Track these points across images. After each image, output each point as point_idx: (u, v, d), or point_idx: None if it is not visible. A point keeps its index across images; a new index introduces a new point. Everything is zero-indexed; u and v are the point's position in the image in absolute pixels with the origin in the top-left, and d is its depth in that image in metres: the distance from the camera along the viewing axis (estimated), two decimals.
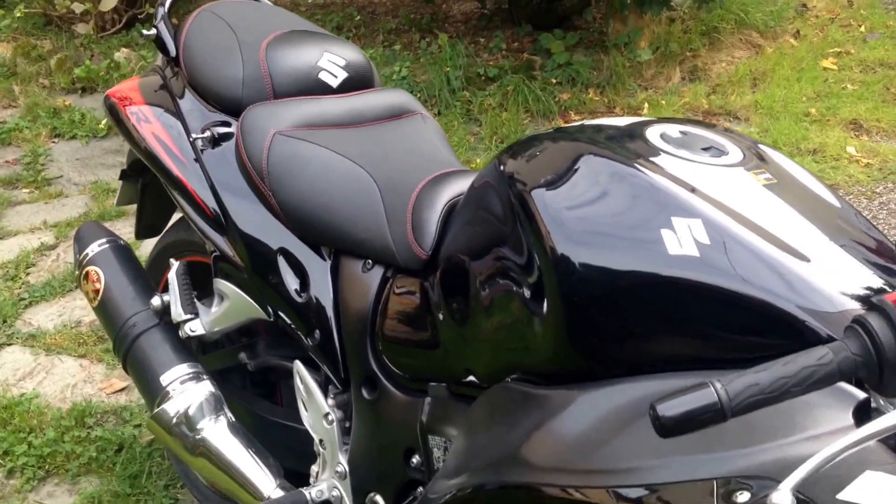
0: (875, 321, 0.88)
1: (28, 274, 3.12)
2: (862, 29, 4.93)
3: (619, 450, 1.09)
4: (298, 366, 1.70)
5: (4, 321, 2.88)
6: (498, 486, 1.21)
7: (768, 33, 4.61)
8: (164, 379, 1.81)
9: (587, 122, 1.42)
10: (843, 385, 0.98)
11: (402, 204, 1.54)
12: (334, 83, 1.79)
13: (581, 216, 1.20)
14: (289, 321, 1.69)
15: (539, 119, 4.04)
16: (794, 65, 4.37)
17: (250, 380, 2.03)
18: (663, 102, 4.13)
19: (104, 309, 1.93)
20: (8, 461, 2.36)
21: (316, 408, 1.67)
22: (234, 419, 1.82)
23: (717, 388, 0.87)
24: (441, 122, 4.18)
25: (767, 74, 4.30)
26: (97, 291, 1.93)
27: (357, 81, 1.82)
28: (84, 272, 1.97)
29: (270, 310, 1.72)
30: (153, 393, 1.83)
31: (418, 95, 4.35)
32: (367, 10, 5.44)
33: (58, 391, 2.62)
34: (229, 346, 1.96)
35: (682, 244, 1.12)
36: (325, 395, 1.67)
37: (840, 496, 0.92)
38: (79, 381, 2.66)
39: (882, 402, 0.97)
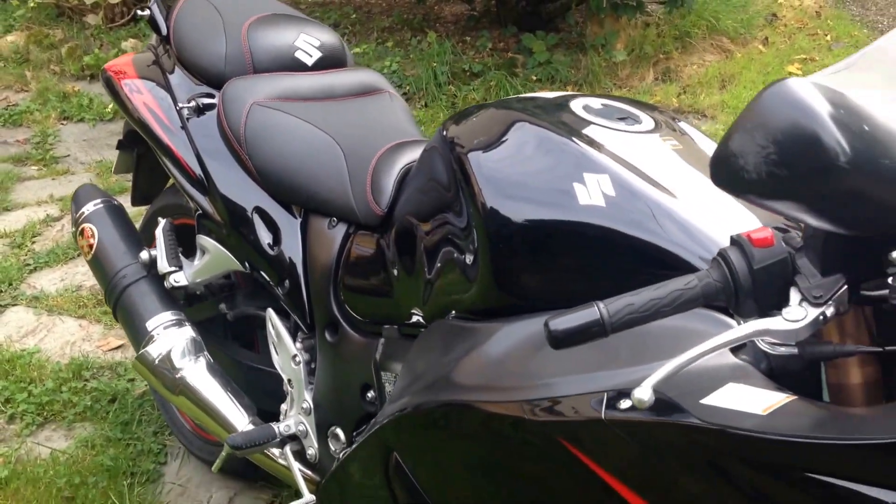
0: (733, 254, 1.06)
1: (34, 242, 3.34)
2: (828, 38, 5.15)
3: (531, 370, 1.29)
4: (270, 313, 1.92)
5: (10, 284, 3.10)
6: (434, 404, 1.39)
7: (738, 39, 4.84)
8: (150, 325, 2.03)
9: (524, 95, 1.63)
10: (717, 314, 1.18)
11: (364, 168, 1.76)
12: (309, 61, 2.01)
13: (508, 174, 1.41)
14: (262, 272, 1.91)
15: None
16: (761, 69, 4.59)
17: (231, 330, 2.25)
18: None
19: (97, 262, 2.15)
20: (9, 408, 2.57)
21: (285, 351, 1.89)
22: (212, 362, 2.04)
23: (599, 307, 1.04)
24: (427, 113, 4.40)
25: (735, 77, 4.52)
26: (91, 246, 2.15)
27: (330, 61, 2.04)
28: (80, 229, 2.19)
29: (246, 262, 1.94)
30: (139, 337, 2.05)
31: (407, 88, 4.57)
32: (363, 9, 5.65)
33: (58, 348, 2.83)
34: (211, 298, 2.18)
35: (590, 196, 1.33)
36: (294, 339, 1.89)
37: (702, 401, 1.11)
38: (78, 339, 2.87)
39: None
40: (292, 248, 1.86)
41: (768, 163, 0.85)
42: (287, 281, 1.86)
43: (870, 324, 1.07)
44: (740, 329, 1.03)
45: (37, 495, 2.26)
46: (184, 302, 2.20)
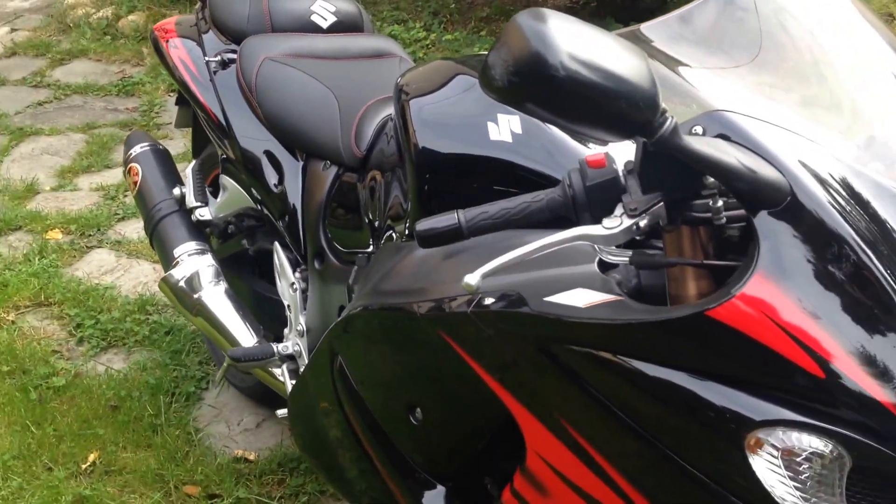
0: (573, 174, 1.24)
1: (125, 196, 3.70)
2: None
3: (432, 278, 1.49)
4: (276, 246, 2.16)
5: (98, 229, 3.45)
6: (359, 309, 1.62)
7: None
8: (176, 252, 2.30)
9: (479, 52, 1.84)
10: (586, 246, 1.33)
11: (353, 116, 1.99)
12: (324, 24, 2.25)
13: (437, 116, 1.62)
14: (268, 208, 2.16)
15: None
16: None
17: (256, 265, 2.50)
18: None
19: (139, 196, 2.45)
20: (78, 332, 2.91)
21: (286, 279, 2.13)
22: (228, 287, 2.30)
23: (458, 214, 1.24)
24: None
25: None
26: (136, 183, 2.45)
27: (345, 25, 2.27)
28: (128, 167, 2.49)
29: (256, 199, 2.19)
30: (167, 262, 2.33)
31: None
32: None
33: (130, 286, 3.16)
34: (236, 235, 2.44)
35: (500, 133, 1.52)
36: (294, 269, 2.12)
37: (546, 298, 1.28)
38: (149, 281, 3.18)
39: (598, 248, 1.32)
40: (293, 187, 2.09)
41: (509, 73, 1.02)
42: (287, 216, 2.10)
43: (705, 242, 1.22)
44: (564, 233, 1.19)
45: (87, 402, 2.57)
46: (219, 239, 2.48)
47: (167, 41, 2.42)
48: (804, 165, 1.13)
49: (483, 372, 1.35)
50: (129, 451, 2.42)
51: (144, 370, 2.73)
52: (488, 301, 1.33)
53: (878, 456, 1.08)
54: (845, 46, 1.34)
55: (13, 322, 2.95)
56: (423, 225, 1.25)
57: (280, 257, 2.14)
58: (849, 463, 1.09)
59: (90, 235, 3.43)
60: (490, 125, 1.52)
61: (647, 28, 1.40)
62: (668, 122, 1.06)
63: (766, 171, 1.11)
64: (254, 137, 2.17)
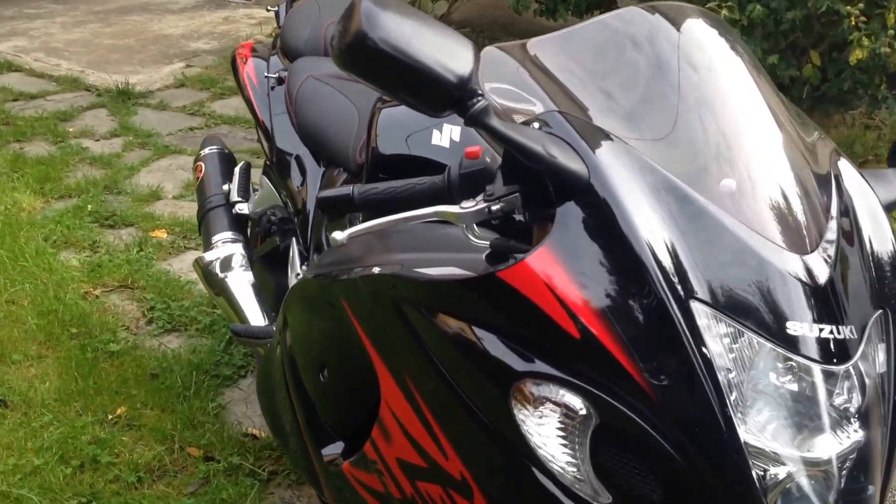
0: (454, 163, 1.41)
1: None
2: None
3: (351, 255, 1.69)
4: (293, 241, 2.42)
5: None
6: (309, 276, 1.83)
7: None
8: (214, 238, 2.60)
9: None
10: (461, 236, 1.50)
11: (363, 129, 2.23)
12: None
13: (396, 124, 1.84)
14: (290, 206, 2.42)
15: None
16: None
17: (283, 261, 2.75)
18: None
19: (198, 190, 2.77)
20: (150, 313, 3.26)
21: (293, 270, 2.37)
22: (251, 276, 2.56)
23: (353, 188, 1.45)
24: None
25: None
26: (198, 178, 2.78)
27: None
28: (196, 165, 2.83)
29: (283, 198, 2.46)
30: (206, 246, 2.63)
31: None
32: None
33: None
34: (272, 233, 2.71)
35: (441, 139, 1.72)
36: (302, 262, 2.36)
37: (414, 268, 1.47)
38: None
39: (467, 234, 1.49)
40: (311, 190, 2.35)
41: (341, 45, 1.23)
42: (302, 215, 2.35)
43: None
44: (427, 209, 1.38)
45: (132, 368, 2.89)
46: (260, 238, 2.76)
47: (240, 58, 2.76)
48: (609, 162, 1.26)
49: (362, 333, 1.54)
50: (153, 412, 2.70)
51: (193, 352, 3.03)
52: (375, 270, 1.53)
53: (621, 416, 1.19)
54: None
55: (97, 297, 3.34)
56: (323, 194, 1.46)
57: (293, 251, 2.39)
58: (595, 419, 1.21)
59: (191, 238, 3.80)
60: (434, 132, 1.73)
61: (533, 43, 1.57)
62: (479, 103, 1.23)
63: (570, 161, 1.26)
64: (289, 144, 2.45)
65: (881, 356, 1.28)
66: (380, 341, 1.51)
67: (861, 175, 1.44)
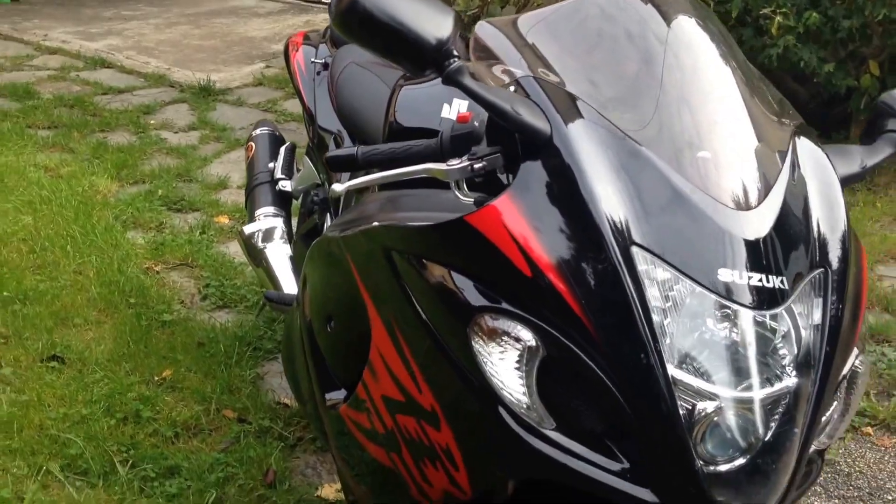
0: (446, 127, 1.55)
1: None
2: None
3: (357, 216, 1.85)
4: (327, 217, 2.59)
5: None
6: (324, 236, 1.98)
7: None
8: (257, 212, 2.80)
9: None
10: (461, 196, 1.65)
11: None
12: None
13: (412, 99, 2.00)
14: (325, 185, 2.60)
15: None
16: None
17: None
18: (878, 204, 4.40)
19: (248, 167, 2.98)
20: (204, 290, 3.48)
21: None
22: (290, 251, 2.74)
23: (357, 148, 1.61)
24: None
25: None
26: (248, 157, 2.98)
27: None
28: (247, 144, 3.04)
29: (321, 176, 2.64)
30: (250, 219, 2.82)
31: None
32: None
33: None
34: (313, 211, 2.90)
35: (451, 112, 1.87)
36: None
37: (399, 213, 1.62)
38: None
39: (455, 192, 1.63)
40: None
41: (337, 11, 1.42)
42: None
43: None
44: (417, 167, 1.53)
45: (182, 336, 3.10)
46: (305, 216, 2.95)
47: (292, 46, 2.96)
48: (571, 121, 1.39)
49: (360, 283, 1.70)
50: (195, 377, 2.90)
51: (239, 326, 3.23)
52: (374, 224, 1.69)
53: (565, 349, 1.32)
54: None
55: (157, 272, 3.58)
56: (330, 153, 1.63)
57: (325, 225, 2.57)
58: (542, 352, 1.34)
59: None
60: (444, 106, 1.88)
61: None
62: (455, 64, 1.40)
63: (535, 119, 1.39)
64: (329, 125, 2.63)
65: (817, 311, 1.38)
66: (373, 289, 1.67)
67: (822, 150, 1.53)
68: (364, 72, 2.57)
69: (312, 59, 2.79)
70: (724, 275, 1.30)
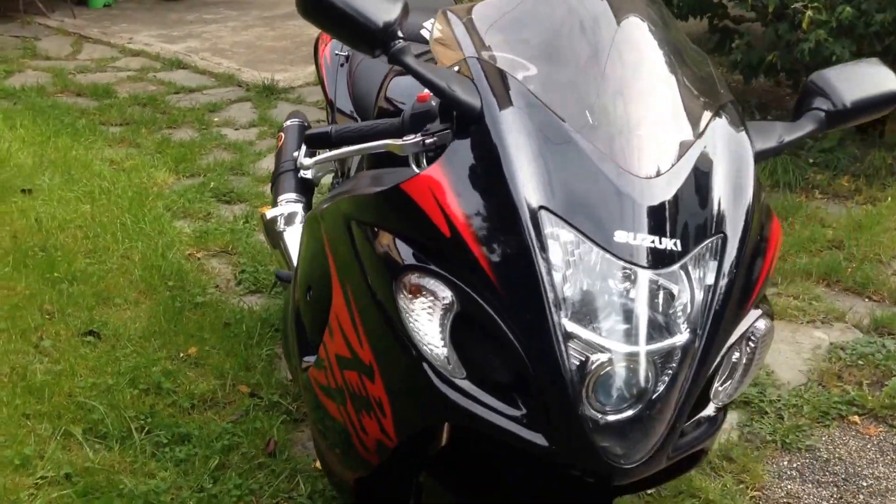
0: (408, 107, 1.71)
1: None
2: None
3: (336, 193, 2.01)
4: None
5: None
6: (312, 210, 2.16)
7: None
8: (280, 198, 2.98)
9: None
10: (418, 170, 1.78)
11: None
12: (428, 37, 2.83)
13: (402, 83, 2.19)
14: (338, 172, 2.79)
15: (783, 188, 4.53)
16: None
17: None
18: None
19: (276, 156, 3.18)
20: (240, 276, 3.69)
21: None
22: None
23: (332, 127, 1.78)
24: None
25: None
26: (278, 146, 3.18)
27: None
28: (279, 134, 3.24)
29: (335, 164, 2.83)
30: (273, 205, 3.02)
31: None
32: None
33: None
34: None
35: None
36: None
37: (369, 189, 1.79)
38: None
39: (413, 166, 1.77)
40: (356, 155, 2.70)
41: None
42: (346, 176, 2.71)
43: None
44: (378, 142, 1.71)
45: (211, 316, 3.33)
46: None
47: (324, 44, 3.15)
48: (501, 98, 1.54)
49: (329, 251, 1.87)
50: (218, 355, 3.11)
51: (266, 310, 3.43)
52: (343, 196, 1.86)
53: (476, 305, 1.46)
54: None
55: (199, 258, 3.81)
56: (309, 132, 1.83)
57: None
58: (457, 307, 1.48)
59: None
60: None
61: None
62: (399, 45, 1.58)
63: (468, 95, 1.55)
64: (345, 112, 2.82)
65: (711, 274, 1.49)
66: (336, 256, 1.84)
67: (742, 127, 1.64)
68: (378, 64, 2.74)
69: (337, 52, 2.97)
70: (620, 236, 1.43)
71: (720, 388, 1.59)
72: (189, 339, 3.19)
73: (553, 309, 1.40)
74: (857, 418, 2.94)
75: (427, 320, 1.50)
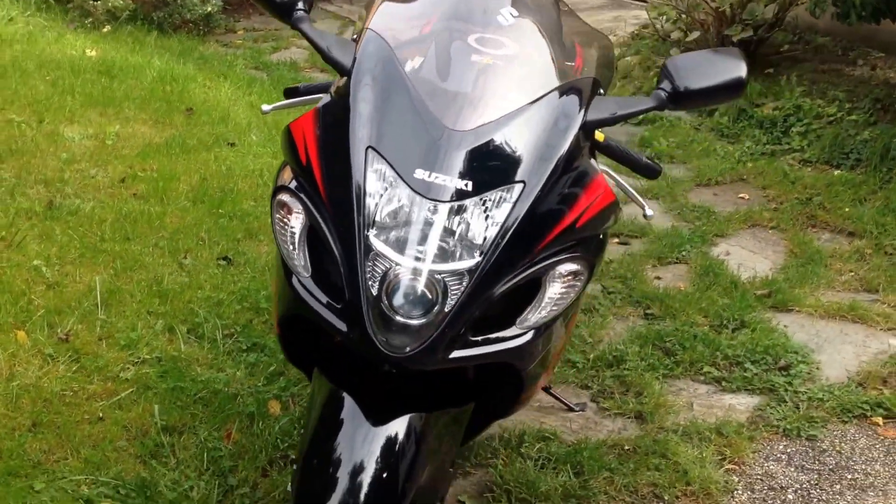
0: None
1: None
2: None
3: None
4: None
5: None
6: None
7: None
8: None
9: None
10: None
11: None
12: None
13: None
14: None
15: None
16: None
17: None
18: None
19: None
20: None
21: None
22: None
23: (301, 85, 2.28)
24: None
25: None
26: None
27: None
28: None
29: None
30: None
31: None
32: None
33: None
34: None
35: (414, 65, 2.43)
36: None
37: None
38: None
39: None
40: None
41: None
42: None
43: None
44: (315, 95, 2.16)
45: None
46: None
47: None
48: (368, 58, 1.94)
49: None
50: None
51: None
52: None
53: (316, 220, 1.84)
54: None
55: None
56: (286, 88, 2.31)
57: None
58: (305, 221, 1.87)
59: None
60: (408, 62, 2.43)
61: None
62: (298, 13, 2.05)
63: (342, 56, 1.98)
64: None
65: (504, 213, 1.77)
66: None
67: (580, 99, 1.93)
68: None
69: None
70: (419, 173, 1.76)
71: (529, 316, 1.87)
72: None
73: (364, 227, 1.75)
74: (879, 420, 2.94)
75: (286, 229, 1.90)
